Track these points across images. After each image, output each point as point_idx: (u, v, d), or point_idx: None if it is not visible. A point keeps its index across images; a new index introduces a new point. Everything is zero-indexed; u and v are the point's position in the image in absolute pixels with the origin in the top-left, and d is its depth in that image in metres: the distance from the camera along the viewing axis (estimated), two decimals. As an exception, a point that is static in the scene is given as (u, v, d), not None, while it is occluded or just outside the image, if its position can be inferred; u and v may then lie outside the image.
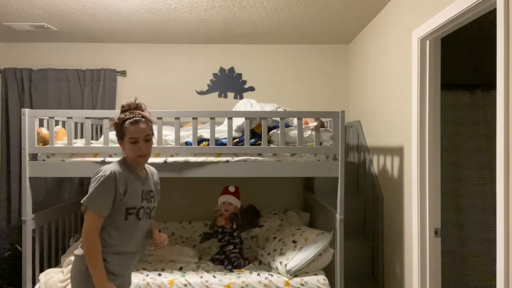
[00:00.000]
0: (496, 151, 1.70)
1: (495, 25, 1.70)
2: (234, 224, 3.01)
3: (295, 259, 2.71)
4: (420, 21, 2.41)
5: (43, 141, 2.76)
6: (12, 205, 3.83)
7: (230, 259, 2.92)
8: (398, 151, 2.81)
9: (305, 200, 3.94)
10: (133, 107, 1.91)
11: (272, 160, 2.69)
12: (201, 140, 2.79)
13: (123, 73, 4.03)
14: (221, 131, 2.85)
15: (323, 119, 3.05)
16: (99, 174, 1.82)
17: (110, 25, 3.48)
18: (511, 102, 1.63)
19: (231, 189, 3.08)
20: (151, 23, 3.41)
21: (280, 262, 2.74)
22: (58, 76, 3.91)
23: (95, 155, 2.68)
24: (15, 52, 3.99)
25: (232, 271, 2.83)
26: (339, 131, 2.66)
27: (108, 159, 2.65)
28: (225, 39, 3.93)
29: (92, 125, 3.38)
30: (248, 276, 2.71)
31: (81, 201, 1.81)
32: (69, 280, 2.22)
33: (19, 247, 3.31)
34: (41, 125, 2.94)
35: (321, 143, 2.73)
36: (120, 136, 1.90)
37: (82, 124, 3.33)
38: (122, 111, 1.91)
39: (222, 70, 4.11)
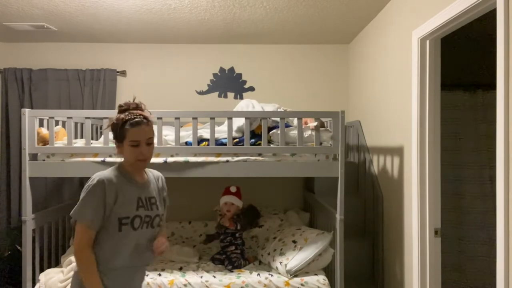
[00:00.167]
0: (496, 151, 1.70)
1: (495, 25, 1.70)
2: (238, 225, 3.01)
3: (295, 259, 2.71)
4: (420, 21, 2.41)
5: (43, 141, 2.76)
6: (12, 205, 3.83)
7: (231, 259, 2.92)
8: (398, 151, 2.81)
9: (305, 200, 3.94)
10: (133, 107, 1.76)
11: (272, 160, 2.69)
12: (201, 140, 2.79)
13: (123, 73, 4.03)
14: (221, 131, 2.85)
15: (323, 119, 3.05)
16: (87, 183, 1.68)
17: (110, 25, 3.48)
18: (511, 102, 1.63)
19: (233, 189, 3.08)
20: (151, 23, 3.41)
21: (280, 262, 2.74)
22: (58, 76, 3.91)
23: (95, 155, 2.68)
24: (15, 52, 3.99)
25: (232, 271, 2.83)
26: (339, 131, 2.66)
27: (108, 159, 2.65)
28: (225, 39, 3.93)
29: (92, 125, 3.38)
30: (248, 276, 2.71)
31: (70, 214, 1.69)
32: (69, 280, 2.22)
33: (19, 247, 3.31)
34: (41, 125, 2.94)
35: (321, 143, 2.73)
36: (119, 138, 1.73)
37: (82, 124, 3.33)
38: (121, 111, 1.75)
39: (222, 70, 4.11)
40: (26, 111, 2.65)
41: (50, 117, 2.71)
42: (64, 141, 2.80)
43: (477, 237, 3.31)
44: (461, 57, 3.54)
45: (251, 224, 3.26)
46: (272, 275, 2.71)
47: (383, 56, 3.10)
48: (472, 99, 3.37)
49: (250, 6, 3.03)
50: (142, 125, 1.71)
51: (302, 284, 2.63)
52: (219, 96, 4.11)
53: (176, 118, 2.69)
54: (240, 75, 4.11)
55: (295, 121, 2.79)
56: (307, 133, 2.76)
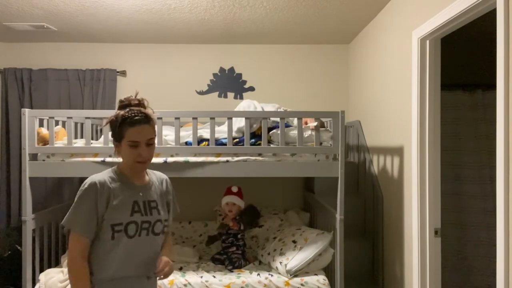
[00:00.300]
0: (496, 151, 1.70)
1: (495, 25, 1.70)
2: (241, 225, 3.01)
3: (295, 259, 2.71)
4: (420, 21, 2.41)
5: (43, 141, 2.76)
6: (12, 205, 3.83)
7: (231, 259, 2.92)
8: (398, 151, 2.81)
9: (305, 200, 3.94)
10: (134, 104, 1.61)
11: (272, 160, 2.69)
12: (201, 140, 2.79)
13: (123, 73, 4.03)
14: (221, 131, 2.85)
15: (323, 119, 3.05)
16: (80, 188, 1.55)
17: (110, 25, 3.48)
18: (511, 102, 1.63)
19: (234, 189, 3.08)
20: (151, 23, 3.41)
21: (280, 262, 2.74)
22: (58, 76, 3.91)
23: (95, 155, 2.68)
24: (15, 52, 3.99)
25: (232, 271, 2.82)
26: (339, 131, 2.66)
27: (108, 159, 2.65)
28: (225, 39, 3.93)
29: (92, 125, 3.38)
30: (248, 276, 2.71)
31: (62, 223, 1.56)
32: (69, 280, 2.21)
33: (19, 247, 3.31)
34: (41, 125, 2.94)
35: (321, 143, 2.73)
36: (117, 137, 1.59)
37: (82, 124, 3.33)
38: (121, 107, 1.60)
39: (222, 70, 4.11)
40: (26, 111, 2.65)
41: (50, 117, 2.71)
42: (64, 141, 2.80)
43: (477, 237, 3.30)
44: (461, 57, 3.54)
45: (251, 224, 3.25)
46: (272, 275, 2.71)
47: (383, 56, 3.10)
48: (472, 99, 3.37)
49: (250, 6, 3.03)
50: (142, 124, 1.55)
51: (302, 284, 2.63)
52: (219, 96, 4.11)
53: (176, 118, 2.69)
54: (240, 75, 4.11)
55: (295, 121, 2.79)
56: (307, 133, 2.76)
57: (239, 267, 2.89)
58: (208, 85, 4.10)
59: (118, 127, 1.56)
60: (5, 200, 3.85)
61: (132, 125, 1.54)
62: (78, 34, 3.73)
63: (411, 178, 2.53)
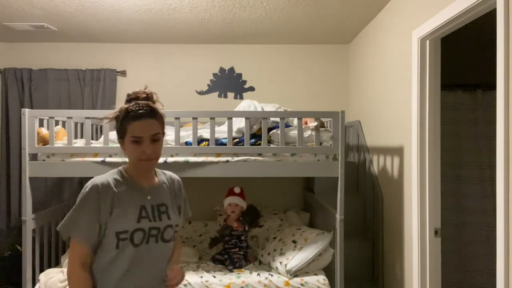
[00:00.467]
0: (496, 151, 1.70)
1: (495, 25, 1.70)
2: (246, 226, 3.00)
3: (295, 259, 2.71)
4: (420, 21, 2.41)
5: (43, 141, 2.76)
6: (12, 205, 3.83)
7: (232, 259, 2.92)
8: (398, 151, 2.81)
9: (305, 200, 3.94)
10: (142, 98, 1.47)
11: (272, 160, 2.69)
12: (201, 140, 2.79)
13: (123, 73, 4.03)
14: (221, 131, 2.85)
15: (323, 119, 3.05)
16: (81, 191, 1.43)
17: (110, 25, 3.48)
18: (511, 102, 1.63)
19: (237, 190, 3.07)
20: (151, 23, 3.41)
21: (280, 262, 2.74)
22: (58, 76, 3.91)
23: (95, 155, 2.68)
24: (15, 52, 3.99)
25: (232, 271, 2.82)
26: (339, 131, 2.66)
27: (108, 159, 2.65)
28: (225, 39, 3.93)
29: (92, 125, 3.38)
30: (248, 276, 2.71)
31: (58, 228, 1.43)
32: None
33: (19, 247, 3.31)
34: (41, 125, 2.94)
35: (321, 143, 2.73)
36: (121, 133, 1.45)
37: (82, 124, 3.33)
38: (127, 101, 1.47)
39: (222, 70, 4.11)
40: (26, 111, 2.65)
41: (50, 117, 2.71)
42: (64, 141, 2.80)
43: (477, 237, 3.30)
44: (461, 57, 3.54)
45: (251, 224, 3.25)
46: (272, 275, 2.71)
47: (383, 56, 3.10)
48: (472, 99, 3.36)
49: (250, 6, 3.03)
50: (146, 118, 1.41)
51: (302, 284, 2.63)
52: (219, 96, 4.11)
53: (176, 118, 2.69)
54: (240, 75, 4.11)
55: (295, 121, 2.79)
56: (307, 133, 2.76)
57: (240, 267, 2.89)
58: (208, 85, 4.10)
59: (121, 121, 1.44)
60: (5, 200, 3.85)
61: (135, 119, 1.40)
62: (78, 34, 3.72)
63: (411, 178, 2.53)
